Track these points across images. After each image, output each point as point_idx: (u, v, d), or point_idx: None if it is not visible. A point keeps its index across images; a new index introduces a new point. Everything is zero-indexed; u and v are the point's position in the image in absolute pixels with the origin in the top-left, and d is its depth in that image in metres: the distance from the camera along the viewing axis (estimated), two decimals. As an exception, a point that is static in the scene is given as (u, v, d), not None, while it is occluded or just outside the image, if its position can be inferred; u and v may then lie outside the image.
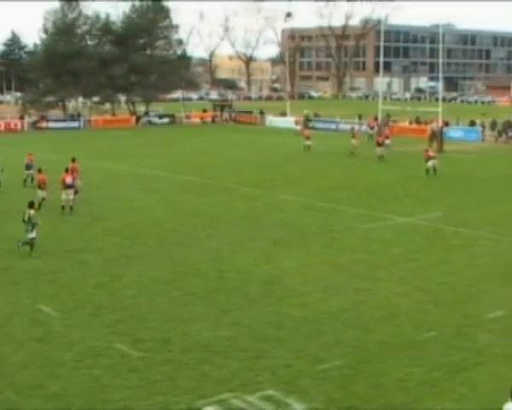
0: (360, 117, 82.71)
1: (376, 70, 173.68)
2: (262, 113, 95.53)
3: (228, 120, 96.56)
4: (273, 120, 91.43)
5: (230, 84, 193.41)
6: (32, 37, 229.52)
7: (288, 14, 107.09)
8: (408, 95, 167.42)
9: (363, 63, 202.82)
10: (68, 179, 34.87)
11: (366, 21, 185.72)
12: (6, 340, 19.03)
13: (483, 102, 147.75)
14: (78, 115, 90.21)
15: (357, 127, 68.39)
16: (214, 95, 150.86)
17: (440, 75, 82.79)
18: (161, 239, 29.87)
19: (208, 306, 21.67)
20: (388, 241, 29.66)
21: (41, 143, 63.51)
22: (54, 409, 15.43)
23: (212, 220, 33.37)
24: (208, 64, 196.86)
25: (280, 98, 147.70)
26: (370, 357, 17.94)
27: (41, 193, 35.06)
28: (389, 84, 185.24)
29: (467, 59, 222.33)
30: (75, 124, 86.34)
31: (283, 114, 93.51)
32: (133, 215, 34.66)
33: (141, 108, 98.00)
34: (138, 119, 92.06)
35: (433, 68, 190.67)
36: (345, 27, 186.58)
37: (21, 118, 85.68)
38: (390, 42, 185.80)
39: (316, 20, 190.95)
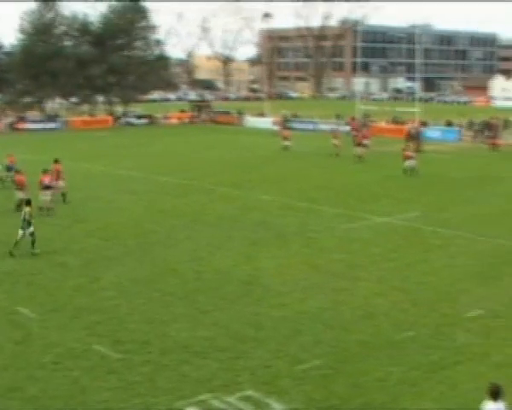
0: (338, 117, 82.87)
1: (354, 70, 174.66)
2: (240, 113, 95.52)
3: (206, 120, 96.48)
4: (251, 121, 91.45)
5: (209, 85, 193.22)
6: (9, 37, 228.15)
7: (266, 15, 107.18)
8: (385, 95, 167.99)
9: (341, 64, 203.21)
10: (46, 180, 34.71)
11: (344, 22, 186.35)
12: (-16, 342, 18.93)
13: (460, 103, 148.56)
14: (57, 116, 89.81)
15: (338, 127, 68.34)
16: (193, 95, 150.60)
17: (418, 75, 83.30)
18: (140, 240, 29.81)
19: (187, 306, 21.66)
20: (367, 241, 29.76)
21: (19, 144, 63.09)
22: (33, 411, 15.39)
23: (191, 221, 33.35)
24: (186, 65, 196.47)
25: (258, 99, 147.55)
26: (350, 357, 17.99)
27: (19, 194, 34.89)
28: (367, 85, 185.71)
29: (444, 59, 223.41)
30: (53, 125, 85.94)
31: (262, 115, 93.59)
32: (112, 216, 34.57)
33: (119, 109, 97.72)
34: (117, 119, 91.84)
35: (410, 69, 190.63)
36: (323, 28, 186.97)
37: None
38: (368, 42, 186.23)
39: (294, 21, 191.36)
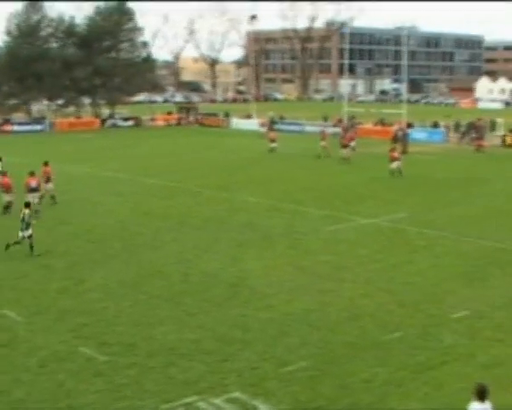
0: (326, 119, 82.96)
1: (341, 72, 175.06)
2: (227, 115, 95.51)
3: (193, 122, 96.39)
4: (238, 123, 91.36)
5: (195, 87, 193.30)
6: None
7: (253, 17, 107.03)
8: (372, 97, 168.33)
9: (328, 65, 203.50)
10: (33, 183, 34.61)
11: (331, 24, 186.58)
12: (-31, 345, 18.84)
13: (446, 104, 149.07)
14: (43, 118, 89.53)
15: (328, 129, 68.36)
16: (179, 97, 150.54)
17: (404, 77, 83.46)
18: (126, 242, 29.75)
19: (174, 309, 21.62)
20: (353, 242, 29.80)
21: (5, 147, 62.79)
22: (18, 415, 15.33)
23: (177, 223, 33.31)
24: (173, 67, 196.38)
25: (245, 100, 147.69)
26: (336, 358, 18.01)
27: (6, 197, 34.76)
28: (353, 87, 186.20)
29: (430, 61, 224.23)
30: (40, 127, 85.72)
31: (249, 117, 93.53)
32: (98, 218, 34.48)
33: (106, 111, 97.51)
34: (103, 121, 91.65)
35: (397, 70, 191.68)
36: (309, 30, 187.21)
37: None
38: (354, 44, 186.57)
39: (280, 23, 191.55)
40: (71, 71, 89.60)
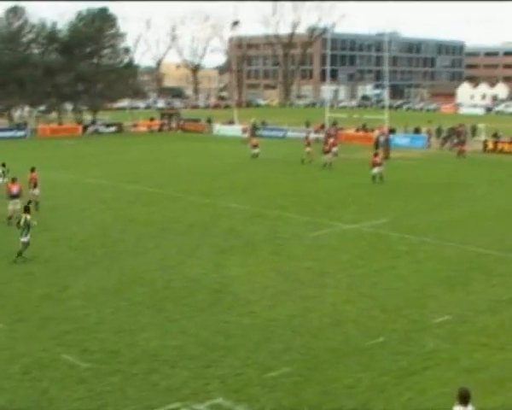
0: (308, 125, 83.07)
1: (323, 78, 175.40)
2: (209, 121, 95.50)
3: (175, 128, 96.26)
4: (221, 129, 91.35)
5: (178, 93, 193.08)
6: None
7: (235, 23, 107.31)
8: (354, 102, 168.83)
9: (310, 71, 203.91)
10: (14, 189, 34.44)
11: (312, 30, 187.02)
12: (-49, 353, 18.72)
13: (428, 110, 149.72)
14: (25, 124, 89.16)
15: (312, 135, 68.40)
16: (161, 103, 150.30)
17: (386, 83, 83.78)
18: (108, 249, 29.68)
19: (156, 315, 21.59)
20: (335, 248, 29.86)
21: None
22: (0, 423, 15.26)
23: (160, 229, 33.26)
24: (155, 72, 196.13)
25: (227, 106, 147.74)
26: (319, 364, 18.03)
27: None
28: (336, 92, 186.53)
29: (412, 67, 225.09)
30: (21, 133, 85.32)
31: (231, 123, 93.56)
32: (81, 225, 34.38)
33: (88, 117, 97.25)
34: (85, 128, 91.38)
35: (378, 76, 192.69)
36: (291, 36, 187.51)
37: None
38: (336, 50, 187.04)
39: (263, 29, 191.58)
40: (53, 77, 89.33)
